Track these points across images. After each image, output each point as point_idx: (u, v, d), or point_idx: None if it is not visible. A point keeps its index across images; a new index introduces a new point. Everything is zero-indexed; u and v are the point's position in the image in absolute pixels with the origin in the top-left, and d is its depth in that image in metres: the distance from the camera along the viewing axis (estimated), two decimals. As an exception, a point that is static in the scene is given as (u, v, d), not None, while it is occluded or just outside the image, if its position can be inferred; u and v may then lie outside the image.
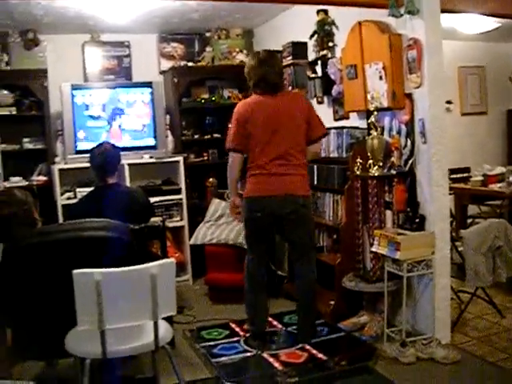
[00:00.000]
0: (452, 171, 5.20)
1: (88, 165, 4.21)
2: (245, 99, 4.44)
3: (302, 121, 4.11)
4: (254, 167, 4.11)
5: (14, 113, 5.80)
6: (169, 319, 3.17)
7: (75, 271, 2.63)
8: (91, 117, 5.85)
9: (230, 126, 4.24)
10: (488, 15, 5.22)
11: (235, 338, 4.42)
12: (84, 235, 3.08)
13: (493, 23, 6.15)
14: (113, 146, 4.24)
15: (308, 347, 4.13)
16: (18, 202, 3.27)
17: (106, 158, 4.07)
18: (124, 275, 2.71)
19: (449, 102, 6.88)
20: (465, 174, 6.71)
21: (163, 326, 2.94)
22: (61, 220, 5.47)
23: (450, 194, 5.17)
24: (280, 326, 4.64)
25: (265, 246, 4.30)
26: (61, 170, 5.65)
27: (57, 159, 5.85)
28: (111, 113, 5.92)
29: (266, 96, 4.11)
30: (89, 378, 2.75)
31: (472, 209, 6.68)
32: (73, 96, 5.75)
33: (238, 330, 4.58)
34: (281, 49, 5.78)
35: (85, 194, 4.37)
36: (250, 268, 4.29)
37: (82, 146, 5.71)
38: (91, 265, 2.69)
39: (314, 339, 4.24)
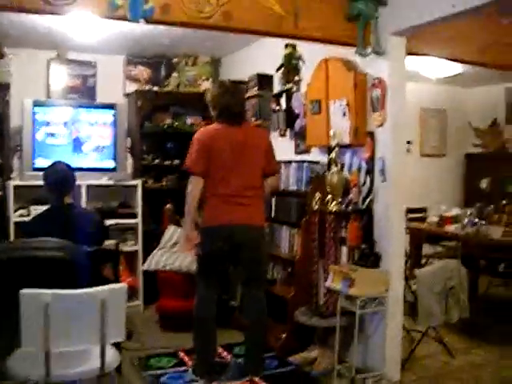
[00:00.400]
0: (409, 211, 5.26)
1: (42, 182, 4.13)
2: (206, 126, 4.42)
3: (262, 154, 4.10)
4: (213, 196, 4.05)
5: (-28, 126, 5.68)
6: (117, 345, 3.10)
7: (22, 291, 2.56)
8: (51, 134, 5.77)
9: (190, 150, 4.11)
10: (453, 60, 5.35)
11: (183, 368, 4.35)
12: (38, 255, 3.00)
13: (455, 69, 6.30)
14: (67, 165, 4.16)
15: (257, 380, 4.07)
16: None
17: (61, 177, 3.99)
18: (73, 298, 2.65)
19: (409, 143, 6.98)
20: (421, 214, 6.80)
21: (111, 352, 2.87)
22: (12, 237, 5.34)
23: (406, 233, 5.23)
24: (229, 356, 4.58)
25: (217, 275, 4.22)
26: (16, 187, 5.54)
27: (12, 175, 5.73)
28: (72, 132, 5.85)
29: (228, 126, 4.07)
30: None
31: (427, 248, 6.76)
32: (34, 113, 5.67)
33: (186, 359, 4.51)
34: (246, 79, 5.82)
35: (39, 212, 4.28)
36: (200, 297, 4.17)
37: (39, 163, 5.61)
38: (42, 285, 2.62)
39: (262, 372, 4.17)
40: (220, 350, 4.60)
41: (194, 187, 4.03)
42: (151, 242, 6.00)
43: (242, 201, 4.00)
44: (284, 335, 4.69)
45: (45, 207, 4.28)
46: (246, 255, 4.09)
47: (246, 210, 4.01)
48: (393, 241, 4.15)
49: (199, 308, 4.17)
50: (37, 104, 5.72)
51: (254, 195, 4.06)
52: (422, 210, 6.95)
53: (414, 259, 6.21)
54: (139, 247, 6.06)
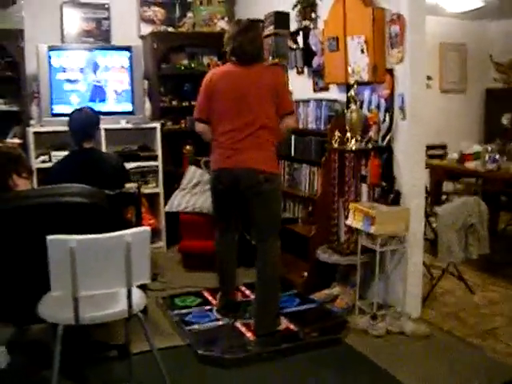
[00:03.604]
0: (428, 147, 5.22)
1: (64, 128, 4.16)
2: (213, 69, 4.36)
3: (272, 94, 3.94)
4: (216, 139, 4.00)
5: (-12, 73, 5.67)
6: (142, 286, 3.16)
7: (49, 237, 2.60)
8: (68, 80, 5.75)
9: (199, 94, 4.09)
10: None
11: (208, 307, 4.44)
12: (61, 201, 3.04)
13: (477, 2, 6.14)
14: (93, 110, 4.19)
15: (280, 318, 4.14)
16: None
17: (85, 122, 4.03)
18: (98, 242, 2.69)
19: (429, 78, 6.89)
20: (441, 151, 6.75)
21: (137, 294, 2.93)
22: (35, 183, 5.40)
23: (426, 169, 5.20)
24: (253, 295, 4.65)
25: (231, 218, 4.21)
26: (36, 133, 5.56)
27: (32, 122, 5.75)
28: (89, 76, 5.83)
29: (238, 66, 3.97)
30: (61, 344, 2.74)
31: (447, 185, 6.75)
32: (50, 58, 5.64)
33: (210, 298, 4.59)
34: (263, 18, 5.72)
35: (60, 157, 4.32)
36: (217, 239, 4.26)
37: (57, 109, 5.62)
38: (66, 231, 2.66)
39: (271, 332, 3.97)
40: (243, 288, 4.68)
41: (203, 130, 4.07)
42: (172, 183, 6.05)
43: (247, 145, 3.88)
44: (306, 273, 4.76)
45: (65, 152, 4.33)
46: (252, 201, 3.95)
47: (246, 154, 3.89)
48: (413, 178, 4.14)
49: (217, 247, 4.27)
50: (52, 49, 5.66)
51: (262, 139, 3.91)
52: (442, 146, 6.90)
53: (434, 196, 6.21)
54: (160, 189, 6.10)
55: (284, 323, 4.09)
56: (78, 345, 3.40)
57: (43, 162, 5.54)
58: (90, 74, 5.83)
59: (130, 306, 2.82)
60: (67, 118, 4.10)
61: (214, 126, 4.00)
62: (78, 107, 4.27)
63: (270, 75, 4.06)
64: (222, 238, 4.24)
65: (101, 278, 2.74)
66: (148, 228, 2.89)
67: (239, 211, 4.20)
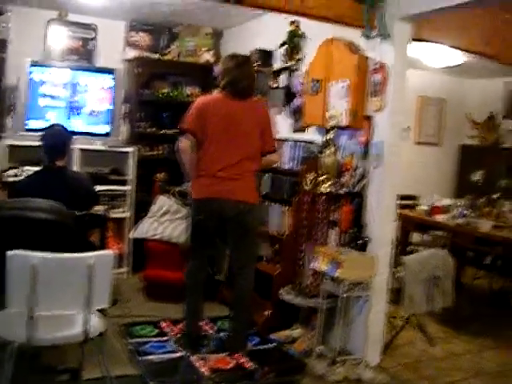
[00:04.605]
0: (400, 197, 5.26)
1: (38, 143, 4.11)
2: (205, 96, 4.41)
3: (257, 129, 4.05)
4: (201, 167, 4.02)
5: (-34, 82, 5.60)
6: (101, 311, 3.10)
7: (10, 252, 2.54)
8: (46, 95, 5.71)
9: (188, 112, 4.09)
10: (457, 49, 5.32)
11: (166, 337, 4.37)
12: (28, 215, 3.00)
13: (458, 58, 6.27)
14: (65, 128, 4.16)
15: (237, 355, 4.08)
16: None
17: (57, 139, 3.99)
18: (61, 262, 2.64)
19: (406, 129, 6.97)
20: (412, 202, 6.81)
21: (95, 318, 2.87)
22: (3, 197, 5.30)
23: (397, 219, 5.23)
24: (212, 330, 4.59)
25: (208, 251, 4.27)
26: (8, 146, 5.48)
27: (5, 134, 5.66)
28: (69, 94, 5.80)
29: (231, 98, 4.03)
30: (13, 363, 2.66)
31: (415, 236, 6.79)
32: (30, 72, 5.60)
33: (170, 329, 4.52)
34: (248, 54, 5.77)
35: (30, 172, 4.26)
36: (191, 271, 4.23)
37: (33, 123, 5.57)
38: (30, 246, 2.61)
39: (243, 348, 4.17)
40: (204, 322, 4.62)
41: (185, 146, 4.02)
42: (141, 210, 5.99)
43: (231, 175, 3.96)
44: (268, 312, 4.71)
45: (37, 168, 4.27)
46: (234, 231, 4.08)
47: (235, 185, 3.98)
48: (383, 226, 4.16)
49: (188, 277, 4.24)
50: (34, 64, 5.64)
51: (246, 170, 4.01)
52: (413, 197, 6.96)
53: (402, 246, 6.24)
54: (129, 214, 6.04)
55: (242, 361, 4.03)
56: (29, 366, 3.30)
57: (15, 175, 5.44)
58: (69, 93, 5.80)
59: (86, 330, 2.76)
60: (40, 134, 4.06)
61: (202, 151, 4.01)
62: (51, 124, 4.23)
63: (261, 110, 4.18)
64: (196, 268, 4.22)
65: (59, 298, 2.68)
66: (111, 252, 2.85)
67: (215, 242, 4.28)
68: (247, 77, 4.08)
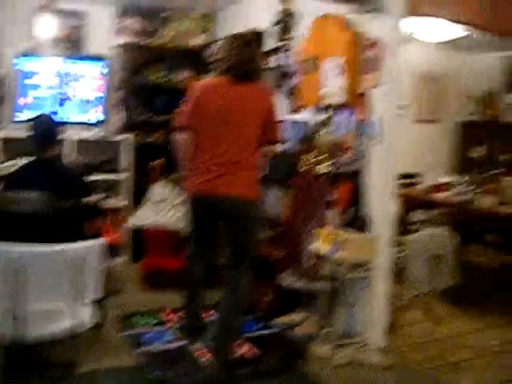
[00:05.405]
0: (400, 176, 5.17)
1: (26, 134, 4.02)
2: (203, 80, 4.19)
3: (260, 118, 3.74)
4: (197, 162, 3.75)
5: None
6: (99, 302, 3.02)
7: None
8: (37, 86, 5.61)
9: (183, 103, 3.83)
10: (453, 21, 5.21)
11: (166, 326, 4.32)
12: (19, 208, 2.93)
13: (452, 33, 6.13)
14: (51, 119, 4.07)
15: (238, 342, 3.96)
16: None
17: (45, 130, 3.89)
18: (48, 254, 2.56)
19: (403, 106, 6.87)
20: (413, 180, 6.72)
21: (89, 310, 2.79)
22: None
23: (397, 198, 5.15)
24: (215, 317, 4.51)
25: (206, 246, 4.03)
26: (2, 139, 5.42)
27: (-4, 127, 5.59)
28: (59, 84, 5.70)
29: (232, 82, 3.70)
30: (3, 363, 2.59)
31: (417, 215, 6.70)
32: (18, 63, 5.50)
33: (170, 317, 4.47)
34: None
35: (21, 164, 4.18)
36: (189, 263, 4.08)
37: (24, 115, 5.47)
38: (22, 239, 2.54)
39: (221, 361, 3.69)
40: (204, 311, 4.54)
41: (181, 143, 3.81)
42: (138, 198, 5.91)
43: (229, 169, 3.66)
44: (269, 297, 4.65)
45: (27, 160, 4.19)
46: (229, 228, 3.82)
47: (232, 180, 3.67)
48: (383, 206, 4.06)
49: (187, 267, 4.08)
50: (22, 54, 5.55)
51: (246, 164, 3.71)
52: (414, 175, 6.87)
53: (404, 225, 6.16)
54: (127, 203, 5.97)
55: (243, 347, 3.97)
56: (21, 363, 3.23)
57: (8, 168, 5.35)
58: (59, 82, 5.70)
59: (78, 323, 2.68)
60: (29, 124, 3.97)
61: (196, 144, 3.75)
62: (38, 114, 4.14)
63: (267, 97, 3.86)
64: (193, 263, 4.04)
65: (47, 291, 2.60)
66: (102, 240, 2.77)
67: (215, 235, 4.03)
68: (255, 57, 3.76)
